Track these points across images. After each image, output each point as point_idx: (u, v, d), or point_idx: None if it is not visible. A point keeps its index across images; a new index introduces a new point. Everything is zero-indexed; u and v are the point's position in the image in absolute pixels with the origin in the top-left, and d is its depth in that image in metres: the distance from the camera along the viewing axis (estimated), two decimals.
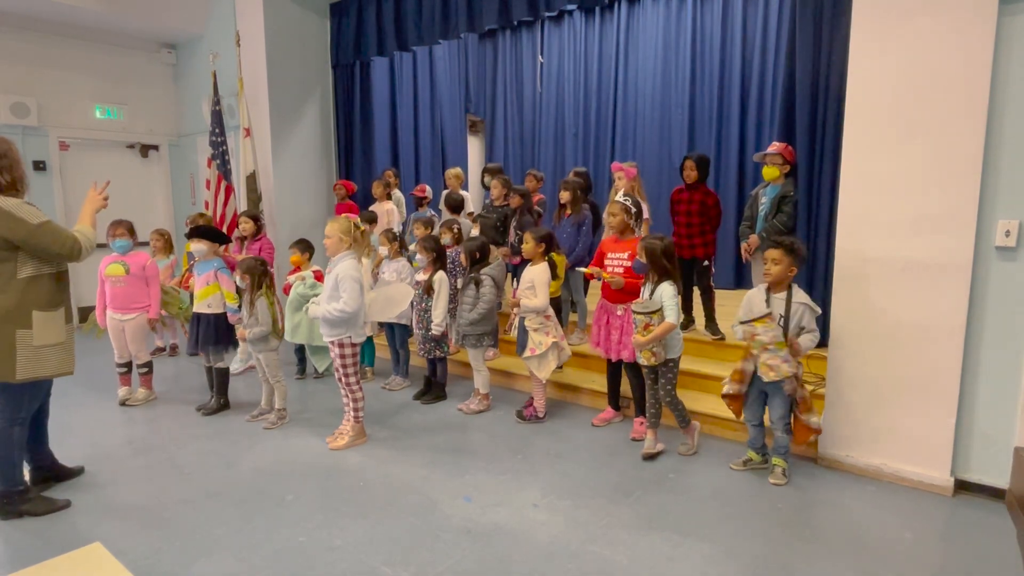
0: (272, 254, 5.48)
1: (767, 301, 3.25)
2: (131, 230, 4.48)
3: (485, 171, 6.09)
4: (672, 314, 3.33)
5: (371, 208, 6.15)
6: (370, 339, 5.17)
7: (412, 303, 4.50)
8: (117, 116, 7.48)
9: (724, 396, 3.40)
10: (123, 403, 4.52)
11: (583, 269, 4.11)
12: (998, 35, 2.86)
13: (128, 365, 4.60)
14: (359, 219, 3.76)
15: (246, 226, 5.35)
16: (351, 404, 3.78)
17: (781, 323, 3.17)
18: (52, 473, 3.30)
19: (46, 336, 2.83)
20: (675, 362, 3.53)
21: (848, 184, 3.30)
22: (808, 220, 3.94)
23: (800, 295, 3.23)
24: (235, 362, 5.45)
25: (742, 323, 3.25)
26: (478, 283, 4.22)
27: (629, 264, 3.73)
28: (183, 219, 7.35)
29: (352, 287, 3.54)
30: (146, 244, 6.18)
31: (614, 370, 4.05)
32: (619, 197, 3.94)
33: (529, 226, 4.77)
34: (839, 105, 3.52)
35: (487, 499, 3.10)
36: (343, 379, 3.72)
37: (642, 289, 3.57)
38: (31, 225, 2.75)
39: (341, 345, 3.66)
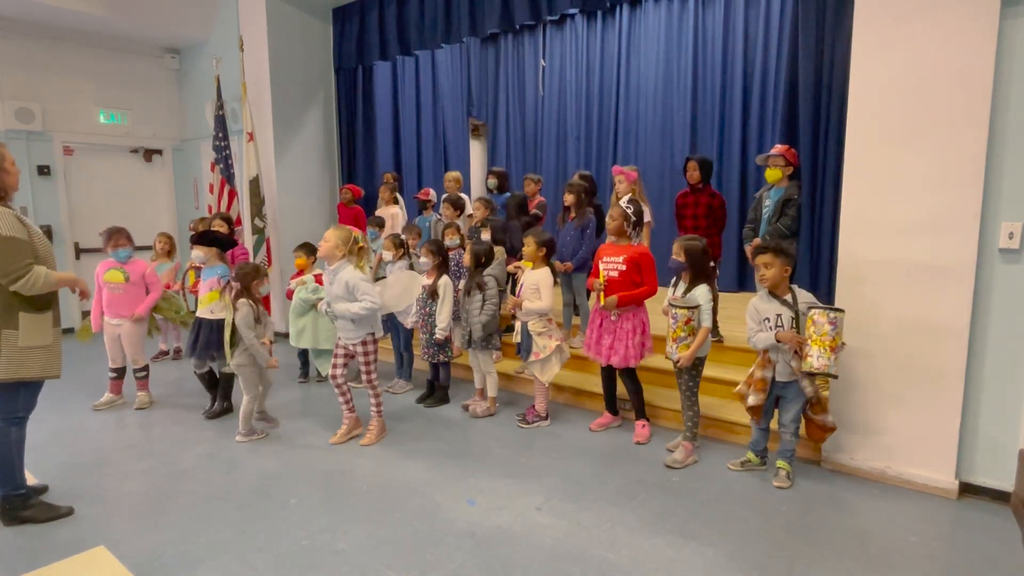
0: (246, 259, 5.37)
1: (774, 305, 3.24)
2: (129, 238, 4.47)
3: (491, 173, 6.11)
4: (707, 319, 3.41)
5: (377, 212, 6.17)
6: None
7: (417, 307, 4.52)
8: (121, 121, 7.50)
9: (749, 408, 3.33)
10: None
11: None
12: (1000, 36, 2.86)
13: (120, 371, 4.57)
14: (369, 225, 3.74)
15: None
16: (375, 400, 3.93)
17: (793, 324, 3.17)
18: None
19: (32, 338, 2.79)
20: (702, 361, 3.55)
21: (851, 186, 3.30)
22: (811, 222, 3.94)
23: (804, 295, 3.25)
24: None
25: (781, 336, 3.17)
26: (481, 287, 4.23)
27: (623, 268, 3.74)
28: (187, 224, 7.38)
29: (369, 287, 3.65)
30: (145, 248, 6.21)
31: (608, 374, 4.04)
32: (623, 202, 3.94)
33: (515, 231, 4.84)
34: (841, 107, 3.53)
35: (490, 502, 3.10)
36: (369, 376, 3.85)
37: (671, 289, 3.61)
38: None
39: (365, 343, 3.78)
